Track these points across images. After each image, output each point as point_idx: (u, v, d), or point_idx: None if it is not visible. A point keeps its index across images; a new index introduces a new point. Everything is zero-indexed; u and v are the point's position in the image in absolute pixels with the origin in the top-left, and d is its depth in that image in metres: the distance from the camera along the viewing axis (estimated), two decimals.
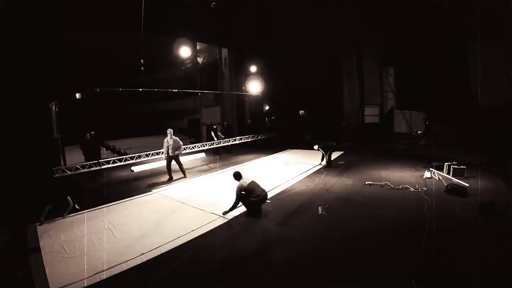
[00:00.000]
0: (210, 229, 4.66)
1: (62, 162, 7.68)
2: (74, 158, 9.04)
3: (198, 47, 18.93)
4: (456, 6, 9.76)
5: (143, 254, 3.88)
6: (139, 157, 9.14)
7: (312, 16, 13.76)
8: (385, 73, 13.36)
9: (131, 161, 8.94)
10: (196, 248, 4.02)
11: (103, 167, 8.28)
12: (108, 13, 8.47)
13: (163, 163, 8.48)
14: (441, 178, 6.77)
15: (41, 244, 4.29)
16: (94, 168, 7.99)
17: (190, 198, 6.14)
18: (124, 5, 8.23)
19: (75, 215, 5.48)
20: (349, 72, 14.21)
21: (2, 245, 4.23)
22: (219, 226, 4.79)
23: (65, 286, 3.24)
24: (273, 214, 5.25)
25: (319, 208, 5.29)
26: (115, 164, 8.57)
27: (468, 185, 6.08)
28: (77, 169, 7.68)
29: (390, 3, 11.25)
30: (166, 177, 8.13)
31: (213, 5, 10.79)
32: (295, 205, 5.63)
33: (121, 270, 3.53)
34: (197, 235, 4.43)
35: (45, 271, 3.51)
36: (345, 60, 14.24)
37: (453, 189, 5.80)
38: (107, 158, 8.63)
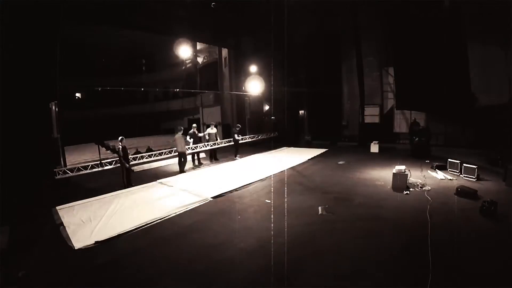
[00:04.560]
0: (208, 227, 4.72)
1: (62, 163, 7.68)
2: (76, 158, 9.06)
3: (198, 47, 18.92)
4: (456, 6, 9.74)
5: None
6: (142, 157, 9.15)
7: (312, 16, 13.81)
8: (385, 73, 13.37)
9: (133, 162, 8.93)
10: (196, 246, 4.04)
11: (105, 167, 8.29)
12: (108, 13, 8.50)
13: (163, 163, 8.41)
14: (452, 178, 6.85)
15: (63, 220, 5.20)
16: (96, 169, 8.00)
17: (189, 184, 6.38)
18: (124, 5, 8.26)
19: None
20: (349, 72, 14.21)
21: (2, 245, 4.23)
22: (215, 223, 4.96)
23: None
24: (272, 213, 5.26)
25: (319, 208, 5.31)
26: (118, 165, 8.56)
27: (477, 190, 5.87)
28: (79, 170, 7.68)
29: (391, 3, 11.25)
30: (165, 176, 8.23)
31: (213, 5, 10.80)
32: (295, 205, 5.65)
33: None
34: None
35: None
36: (345, 60, 14.24)
37: (463, 191, 5.68)
38: (108, 159, 8.63)
